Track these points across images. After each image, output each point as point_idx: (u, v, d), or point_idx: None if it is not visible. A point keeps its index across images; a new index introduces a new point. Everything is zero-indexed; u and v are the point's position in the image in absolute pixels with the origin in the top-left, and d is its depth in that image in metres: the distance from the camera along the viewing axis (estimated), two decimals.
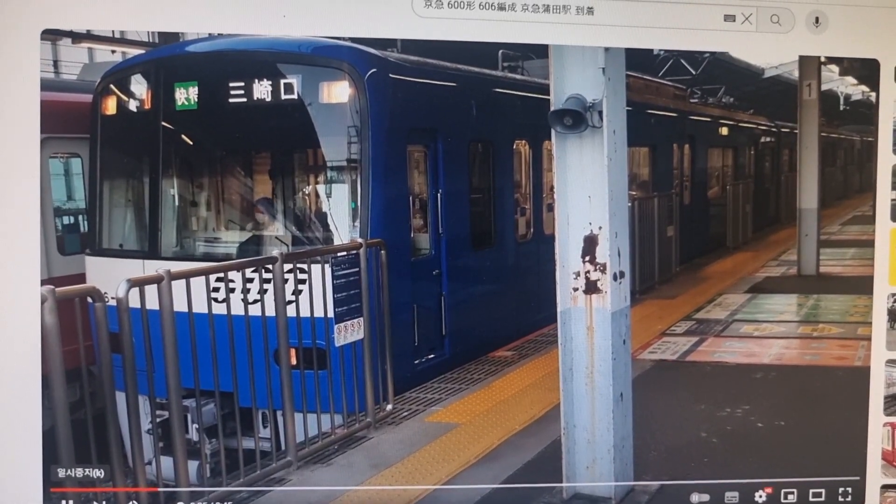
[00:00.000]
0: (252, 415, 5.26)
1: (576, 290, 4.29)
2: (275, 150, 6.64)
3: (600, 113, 4.12)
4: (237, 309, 4.69)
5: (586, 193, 4.22)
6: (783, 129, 11.10)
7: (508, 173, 7.59)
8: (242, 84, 6.03)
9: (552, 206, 7.65)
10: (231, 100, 6.08)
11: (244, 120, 6.18)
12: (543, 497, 4.28)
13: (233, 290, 4.74)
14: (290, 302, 4.96)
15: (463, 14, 3.56)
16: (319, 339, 5.16)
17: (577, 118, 4.12)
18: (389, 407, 5.62)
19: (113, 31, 7.69)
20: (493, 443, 5.08)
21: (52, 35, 6.13)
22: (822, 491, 3.95)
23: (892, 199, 3.84)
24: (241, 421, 4.87)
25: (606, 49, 4.10)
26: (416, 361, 6.34)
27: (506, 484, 4.53)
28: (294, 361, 5.15)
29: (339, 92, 6.01)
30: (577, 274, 4.27)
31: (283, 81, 5.97)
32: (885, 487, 3.91)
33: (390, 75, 6.24)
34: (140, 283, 4.20)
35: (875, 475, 3.90)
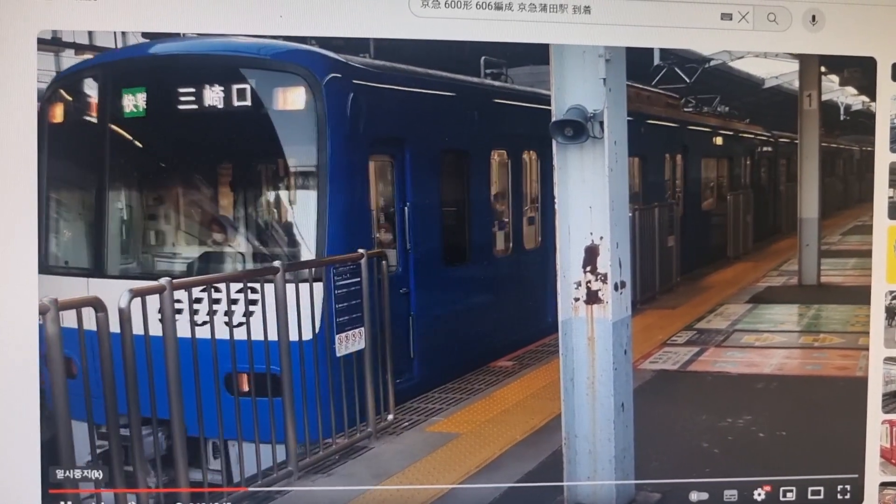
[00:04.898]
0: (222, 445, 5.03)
1: (577, 300, 4.29)
2: (228, 160, 6.15)
3: (601, 123, 4.13)
4: (202, 332, 4.45)
5: (587, 204, 4.23)
6: (780, 140, 11.08)
7: (485, 185, 7.23)
8: (193, 90, 5.64)
9: (533, 219, 7.73)
10: (181, 107, 5.70)
11: (195, 128, 5.81)
12: None
13: (197, 311, 4.48)
14: (239, 324, 4.68)
15: (460, 14, 3.58)
16: (273, 365, 4.82)
17: (579, 129, 4.13)
18: (390, 417, 5.61)
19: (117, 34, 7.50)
20: (495, 453, 5.07)
21: (52, 45, 6.15)
22: (821, 489, 3.94)
23: (890, 197, 3.86)
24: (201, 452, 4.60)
25: (607, 60, 4.11)
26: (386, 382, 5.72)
27: (507, 489, 4.53)
28: (245, 388, 4.93)
29: (294, 98, 5.65)
30: (579, 284, 4.27)
31: (235, 87, 5.59)
32: (884, 485, 3.90)
33: (352, 80, 5.85)
34: (142, 294, 4.20)
35: (874, 472, 3.90)
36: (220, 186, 6.18)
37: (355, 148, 5.83)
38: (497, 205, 7.46)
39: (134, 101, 5.81)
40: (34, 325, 3.44)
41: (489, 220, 7.30)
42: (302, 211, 5.87)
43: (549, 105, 7.73)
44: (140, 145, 6.12)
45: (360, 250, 5.42)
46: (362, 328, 5.26)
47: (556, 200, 4.29)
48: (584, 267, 4.25)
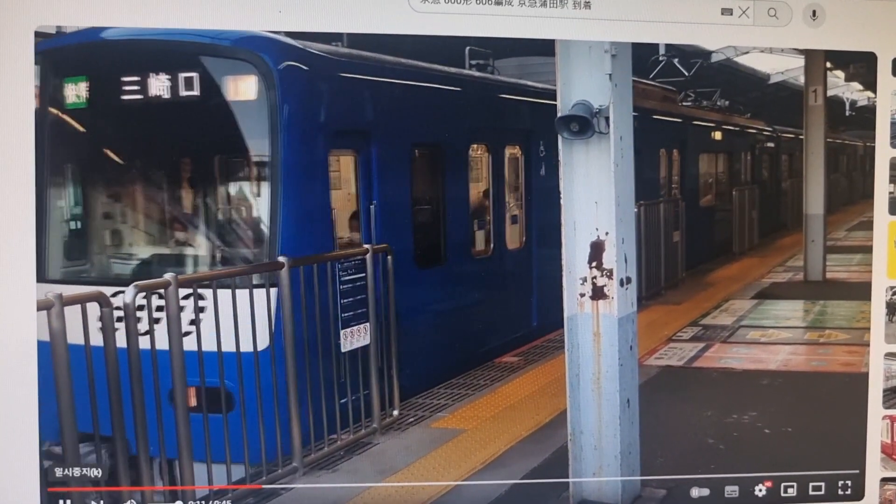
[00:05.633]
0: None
1: (582, 295, 4.29)
2: (175, 155, 5.70)
3: (607, 119, 4.13)
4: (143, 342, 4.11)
5: (593, 199, 4.22)
6: (783, 135, 10.99)
7: (462, 181, 6.77)
8: (137, 79, 5.19)
9: (517, 217, 7.41)
10: (125, 97, 5.24)
11: (140, 120, 5.37)
12: (550, 503, 4.27)
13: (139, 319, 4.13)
14: (186, 333, 4.35)
15: (459, 9, 3.56)
16: (227, 378, 4.54)
17: (584, 124, 4.13)
18: (395, 413, 5.61)
19: None
20: (500, 449, 5.07)
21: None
22: (822, 484, 3.94)
23: (890, 193, 3.85)
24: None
25: (613, 55, 4.11)
26: (344, 400, 5.30)
27: (512, 485, 4.52)
28: (194, 403, 4.55)
29: (246, 88, 5.23)
30: (584, 280, 4.27)
31: (182, 76, 5.15)
32: (885, 480, 3.90)
33: (309, 69, 5.42)
34: (147, 289, 4.21)
35: (874, 468, 3.90)
36: (167, 183, 5.73)
37: (313, 142, 5.45)
38: (476, 202, 7.06)
39: (76, 91, 5.45)
40: (32, 323, 3.43)
41: (467, 218, 6.85)
42: (254, 210, 5.50)
43: (536, 98, 7.28)
44: (82, 138, 5.69)
45: (365, 245, 5.40)
46: (367, 324, 5.26)
47: (561, 196, 4.28)
48: (590, 263, 4.25)
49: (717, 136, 10.53)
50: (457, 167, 6.71)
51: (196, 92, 5.16)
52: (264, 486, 4.57)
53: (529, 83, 7.46)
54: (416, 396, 6.01)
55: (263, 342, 4.82)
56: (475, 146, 7.01)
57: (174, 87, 5.18)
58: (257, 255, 5.39)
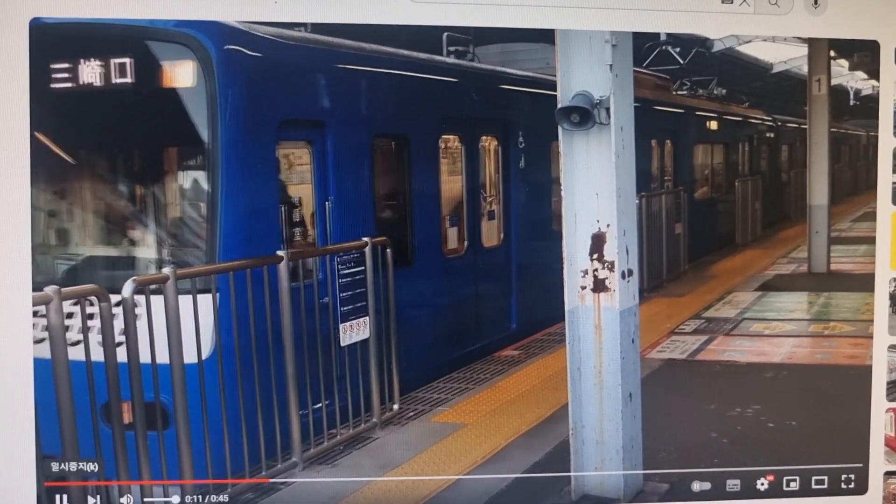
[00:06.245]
0: None
1: (584, 288, 4.26)
2: (107, 147, 5.22)
3: (608, 110, 4.10)
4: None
5: (594, 191, 4.19)
6: (783, 125, 10.88)
7: (432, 175, 6.33)
8: (67, 65, 4.72)
9: (494, 213, 7.01)
10: (55, 85, 4.73)
11: (71, 110, 4.85)
12: (551, 498, 4.25)
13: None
14: (119, 344, 4.02)
15: None
16: (163, 393, 4.18)
17: (585, 115, 4.10)
18: (396, 407, 5.58)
19: None
20: (500, 443, 5.04)
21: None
22: (825, 478, 3.92)
23: (894, 183, 3.82)
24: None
25: (614, 45, 4.07)
26: (302, 412, 4.95)
27: (514, 479, 4.50)
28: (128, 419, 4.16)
29: (182, 74, 4.79)
30: (585, 272, 4.24)
31: (114, 61, 4.72)
32: (889, 474, 3.87)
33: (254, 54, 5.00)
34: (146, 283, 4.17)
35: (878, 462, 3.88)
36: (98, 179, 5.25)
37: (258, 133, 5.05)
38: (448, 198, 6.62)
39: None
40: (28, 317, 3.42)
41: (437, 215, 6.38)
42: (192, 208, 5.06)
43: (514, 85, 7.17)
44: None
45: (364, 238, 5.34)
46: (367, 317, 5.23)
47: (562, 187, 4.25)
48: (591, 255, 4.22)
49: (713, 125, 10.24)
50: (426, 160, 6.30)
51: (129, 79, 4.74)
52: (261, 481, 4.55)
53: (508, 70, 7.20)
54: (413, 391, 5.97)
55: (207, 352, 4.49)
56: (447, 137, 6.59)
57: (106, 75, 4.77)
58: (196, 257, 4.97)
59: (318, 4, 3.52)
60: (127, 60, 4.72)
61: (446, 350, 6.33)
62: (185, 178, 5.13)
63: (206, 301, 4.48)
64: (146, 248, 5.14)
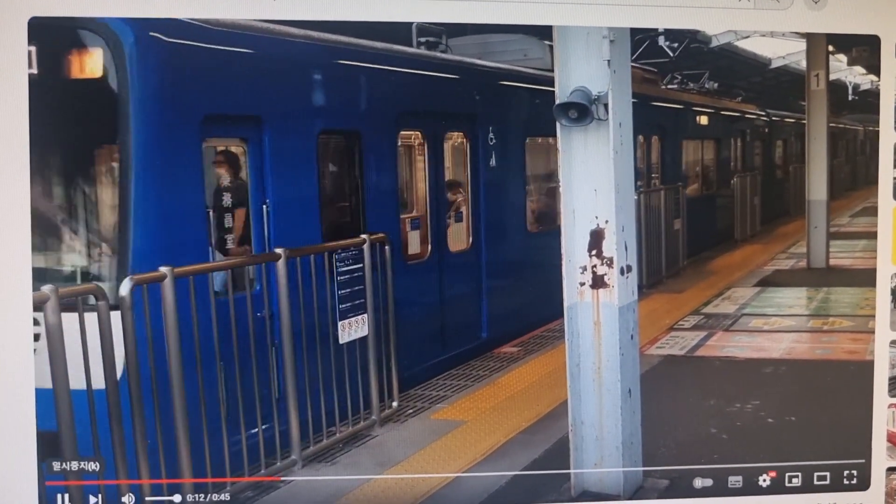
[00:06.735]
0: None
1: (582, 284, 4.26)
2: None
3: (606, 105, 4.09)
4: None
5: (592, 187, 4.19)
6: (780, 120, 10.81)
7: (389, 175, 5.83)
8: None
9: (461, 215, 6.53)
10: None
11: None
12: (551, 495, 4.24)
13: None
14: None
15: None
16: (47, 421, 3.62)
17: (583, 111, 4.10)
18: (395, 404, 5.57)
19: None
20: (500, 440, 5.03)
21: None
22: (827, 474, 3.91)
23: (895, 178, 3.81)
24: None
25: (611, 41, 4.06)
26: (235, 438, 4.57)
27: (514, 477, 4.50)
28: None
29: (90, 64, 4.31)
30: (584, 268, 4.24)
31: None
32: (891, 470, 3.87)
33: (174, 42, 4.50)
34: (144, 282, 4.15)
35: (880, 457, 3.87)
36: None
37: (178, 129, 4.55)
38: (408, 199, 6.21)
39: None
40: (29, 317, 3.41)
41: (395, 218, 5.89)
42: (102, 214, 4.54)
43: (485, 78, 6.76)
44: None
45: (363, 236, 5.29)
46: (365, 315, 5.21)
47: (560, 183, 4.24)
48: (590, 251, 4.22)
49: (703, 120, 9.87)
50: (381, 158, 5.81)
51: (34, 70, 3.93)
52: (261, 479, 4.55)
53: (477, 62, 6.74)
54: (413, 388, 5.95)
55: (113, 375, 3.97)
56: (406, 133, 6.13)
57: None
58: (105, 268, 4.50)
59: (317, 2, 3.51)
60: (31, 49, 3.83)
61: (406, 363, 5.72)
62: (93, 181, 4.57)
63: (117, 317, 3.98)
64: (49, 258, 4.41)
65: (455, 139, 6.56)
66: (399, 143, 6.01)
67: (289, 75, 5.22)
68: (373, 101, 5.78)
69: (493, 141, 6.59)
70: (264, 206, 4.98)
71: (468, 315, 6.49)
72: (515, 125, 6.80)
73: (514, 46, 6.83)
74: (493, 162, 6.60)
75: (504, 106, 6.86)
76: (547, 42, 6.27)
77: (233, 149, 5.02)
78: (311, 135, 5.27)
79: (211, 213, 4.82)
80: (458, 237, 6.54)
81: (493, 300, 6.60)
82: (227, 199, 5.00)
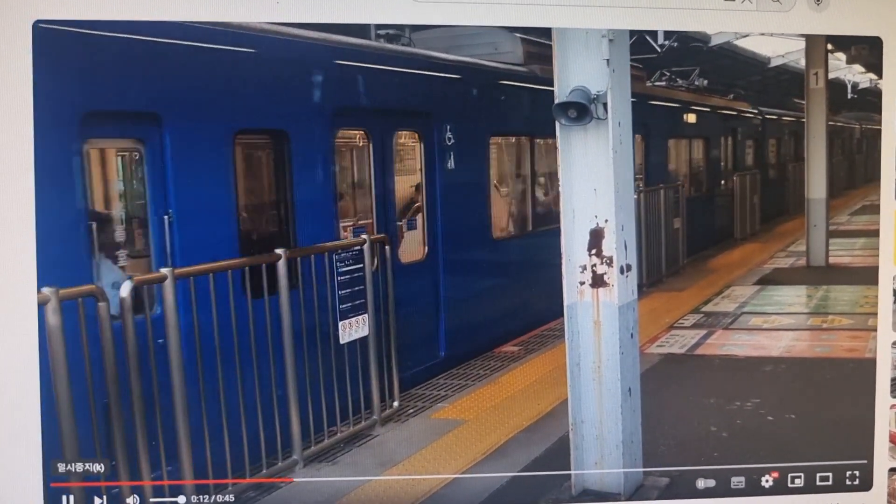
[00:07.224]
0: None
1: (582, 283, 4.26)
2: None
3: (605, 105, 4.09)
4: None
5: (591, 186, 4.20)
6: (775, 118, 10.76)
7: (325, 179, 5.25)
8: None
9: (415, 222, 5.93)
10: None
11: None
12: (551, 493, 4.25)
13: None
14: None
15: None
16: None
17: (582, 110, 4.10)
18: (396, 404, 5.57)
19: None
20: (500, 439, 5.04)
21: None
22: (830, 475, 3.91)
23: None
24: None
25: (611, 40, 4.07)
26: (154, 475, 4.06)
27: (514, 476, 4.50)
28: None
29: None
30: (584, 267, 4.24)
31: None
32: (893, 470, 3.87)
33: (44, 26, 3.75)
34: (144, 283, 4.16)
35: (882, 458, 3.87)
36: None
37: (55, 128, 3.76)
38: (349, 206, 5.65)
39: None
40: (33, 318, 3.41)
41: (331, 228, 5.32)
42: None
43: (442, 72, 6.26)
44: None
45: (363, 236, 5.28)
46: (366, 315, 5.21)
47: (559, 183, 4.25)
48: (590, 250, 4.22)
49: (691, 118, 9.43)
50: (314, 161, 5.21)
51: None
52: (261, 480, 4.55)
53: (433, 54, 6.14)
54: (414, 388, 5.97)
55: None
56: (346, 132, 5.57)
57: None
58: None
59: (320, 5, 3.51)
60: None
61: (352, 386, 5.25)
62: None
63: None
64: None
65: (406, 139, 6.04)
66: (337, 144, 5.44)
67: (196, 67, 4.57)
68: (304, 96, 5.20)
69: (452, 141, 6.07)
70: (166, 217, 4.45)
71: (423, 333, 6.04)
72: (478, 124, 6.26)
73: (484, 40, 6.33)
74: (451, 164, 6.07)
75: (465, 103, 6.30)
76: (519, 35, 6.15)
77: (125, 152, 4.45)
78: (224, 135, 4.71)
79: (94, 226, 4.23)
80: (412, 247, 6.03)
81: (452, 316, 6.12)
82: (117, 210, 4.45)
